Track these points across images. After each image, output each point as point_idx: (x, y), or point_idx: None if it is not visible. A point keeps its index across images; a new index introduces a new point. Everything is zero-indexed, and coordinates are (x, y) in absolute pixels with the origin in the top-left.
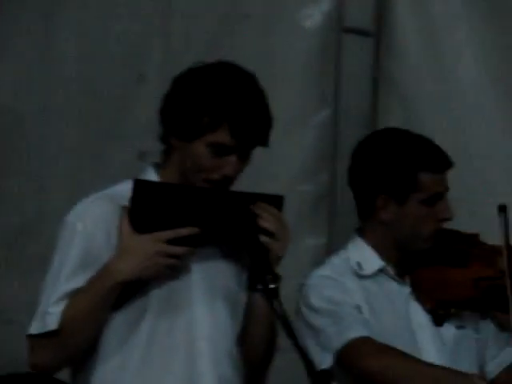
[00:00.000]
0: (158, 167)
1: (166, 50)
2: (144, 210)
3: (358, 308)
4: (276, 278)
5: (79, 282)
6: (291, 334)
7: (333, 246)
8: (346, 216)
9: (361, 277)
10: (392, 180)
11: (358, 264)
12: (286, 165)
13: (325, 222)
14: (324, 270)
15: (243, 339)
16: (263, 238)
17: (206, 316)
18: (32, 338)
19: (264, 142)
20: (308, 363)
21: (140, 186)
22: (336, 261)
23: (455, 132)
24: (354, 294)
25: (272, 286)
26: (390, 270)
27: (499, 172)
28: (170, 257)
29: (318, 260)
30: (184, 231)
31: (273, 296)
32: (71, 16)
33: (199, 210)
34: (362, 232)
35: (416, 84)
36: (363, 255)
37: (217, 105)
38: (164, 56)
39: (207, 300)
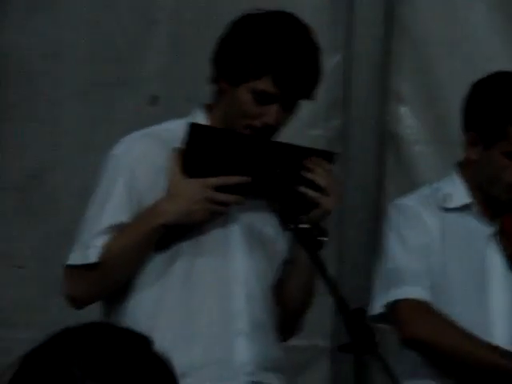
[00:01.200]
0: (207, 109)
1: None
2: (196, 154)
3: (428, 247)
4: (323, 232)
5: (123, 216)
6: (324, 276)
7: (344, 190)
8: (358, 160)
9: (445, 209)
10: (484, 122)
11: (447, 196)
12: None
13: (337, 166)
14: (411, 200)
15: (283, 286)
16: (313, 193)
17: (243, 260)
18: (70, 268)
19: (308, 95)
20: (342, 306)
21: (195, 129)
22: (425, 191)
23: (468, 76)
24: (431, 230)
25: (304, 226)
26: (476, 208)
27: None
28: (217, 204)
29: None
30: (235, 179)
31: (305, 236)
32: None
33: (252, 160)
34: (459, 166)
35: (429, 28)
36: (453, 188)
37: (263, 52)
38: (175, 1)
39: (244, 245)
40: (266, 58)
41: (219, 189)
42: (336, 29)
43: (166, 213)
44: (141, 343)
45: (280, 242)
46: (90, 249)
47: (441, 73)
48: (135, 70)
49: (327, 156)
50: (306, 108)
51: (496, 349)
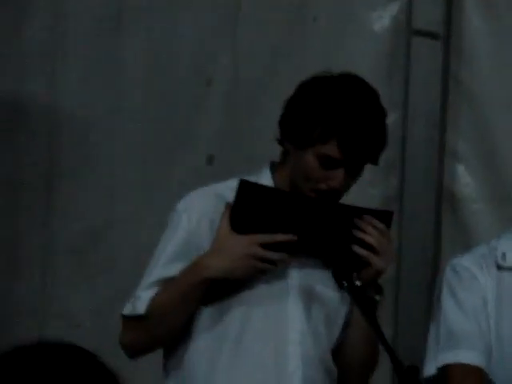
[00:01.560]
0: (273, 168)
1: (234, 54)
2: (245, 211)
3: (483, 309)
4: (378, 290)
5: (175, 270)
6: (379, 335)
7: (401, 249)
8: (415, 219)
9: (502, 268)
10: None
11: (503, 254)
12: None
13: (394, 224)
14: (467, 259)
15: (343, 348)
16: (363, 252)
17: (300, 321)
18: (123, 318)
19: (374, 160)
20: (396, 363)
21: (244, 187)
22: (482, 250)
23: None
24: (486, 291)
25: (358, 283)
26: None
27: None
28: (262, 261)
29: None
30: (281, 237)
31: (359, 293)
32: (137, 21)
33: (300, 219)
34: None
35: (486, 86)
36: (510, 247)
37: (329, 118)
38: (232, 60)
39: (303, 306)
40: (332, 124)
41: (266, 246)
42: (393, 88)
43: (209, 267)
44: (89, 359)
45: (344, 306)
46: (138, 301)
47: (498, 130)
48: (192, 129)
49: (382, 215)
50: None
51: None
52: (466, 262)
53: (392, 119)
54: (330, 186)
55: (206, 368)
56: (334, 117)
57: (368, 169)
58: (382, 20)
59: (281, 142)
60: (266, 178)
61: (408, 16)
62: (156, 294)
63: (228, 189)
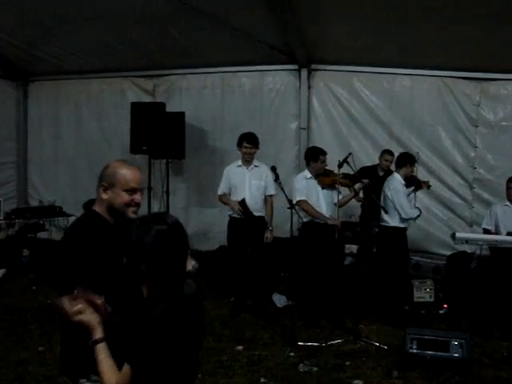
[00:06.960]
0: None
1: None
2: (240, 203)
3: (304, 187)
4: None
5: (226, 188)
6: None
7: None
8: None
9: (307, 178)
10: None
11: (306, 175)
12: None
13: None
14: (299, 175)
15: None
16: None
17: (249, 186)
18: (219, 198)
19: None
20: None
21: (241, 202)
22: (302, 173)
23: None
24: (304, 184)
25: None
26: (313, 178)
27: None
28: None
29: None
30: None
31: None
32: None
33: (243, 205)
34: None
35: (322, 132)
36: (308, 174)
37: (244, 138)
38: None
39: (248, 182)
40: (245, 139)
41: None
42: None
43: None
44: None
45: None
46: (219, 193)
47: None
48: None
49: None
50: (289, 153)
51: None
52: (299, 176)
53: (296, 124)
54: (250, 153)
55: (235, 197)
56: (245, 138)
57: (292, 154)
58: (292, 126)
59: (238, 148)
60: (238, 162)
61: (298, 122)
62: (221, 195)
63: (235, 164)
